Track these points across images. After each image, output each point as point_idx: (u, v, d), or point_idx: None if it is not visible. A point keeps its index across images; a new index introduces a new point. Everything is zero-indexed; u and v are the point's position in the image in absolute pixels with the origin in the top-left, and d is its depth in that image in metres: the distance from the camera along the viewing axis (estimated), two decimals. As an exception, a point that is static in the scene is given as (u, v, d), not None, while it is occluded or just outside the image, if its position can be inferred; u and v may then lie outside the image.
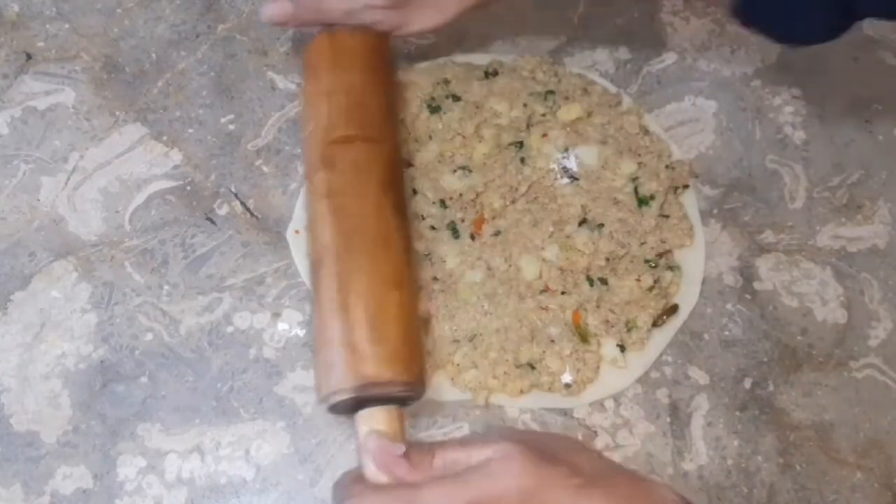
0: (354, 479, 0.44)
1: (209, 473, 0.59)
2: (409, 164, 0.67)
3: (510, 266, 0.64)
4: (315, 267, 0.50)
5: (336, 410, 0.47)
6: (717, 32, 0.78)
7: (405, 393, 0.46)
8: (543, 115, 0.69)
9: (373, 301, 0.47)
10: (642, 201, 0.66)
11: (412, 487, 0.42)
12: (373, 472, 0.43)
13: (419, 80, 0.70)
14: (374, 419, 0.45)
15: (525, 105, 0.69)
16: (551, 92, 0.70)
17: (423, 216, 0.65)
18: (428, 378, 0.47)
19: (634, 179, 0.67)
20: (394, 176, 0.53)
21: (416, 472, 0.42)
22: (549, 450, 0.42)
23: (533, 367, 0.61)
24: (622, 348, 0.62)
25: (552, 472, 0.41)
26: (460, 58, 0.74)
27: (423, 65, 0.73)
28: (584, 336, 0.61)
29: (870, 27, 0.78)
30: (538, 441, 0.44)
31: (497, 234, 0.65)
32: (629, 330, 0.62)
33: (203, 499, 0.58)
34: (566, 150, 0.68)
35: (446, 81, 0.70)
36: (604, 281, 0.63)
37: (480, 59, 0.74)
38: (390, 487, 0.43)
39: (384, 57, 0.58)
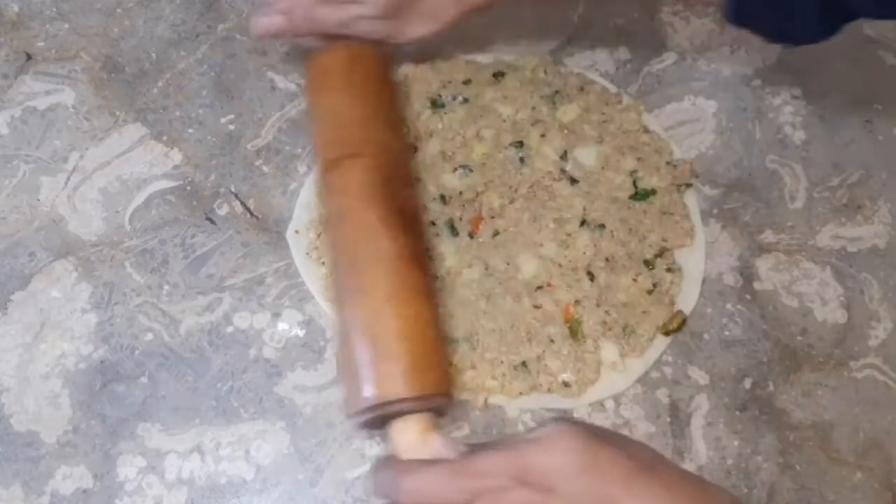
0: (398, 460, 0.44)
1: (209, 473, 0.59)
2: (414, 150, 0.67)
3: (508, 265, 0.64)
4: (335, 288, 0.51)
5: (369, 426, 0.48)
6: (717, 32, 0.78)
7: (421, 405, 0.46)
8: (546, 115, 0.69)
9: (374, 318, 0.47)
10: (642, 195, 0.66)
11: (464, 456, 0.42)
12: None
13: (426, 77, 0.71)
14: (403, 429, 0.45)
15: (533, 108, 0.69)
16: (557, 92, 0.70)
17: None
18: (451, 381, 0.47)
19: (633, 173, 0.67)
20: (383, 189, 0.52)
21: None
22: (606, 435, 0.42)
23: (531, 368, 0.61)
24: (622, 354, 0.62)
25: (609, 453, 0.40)
26: (462, 58, 0.74)
27: (431, 63, 0.73)
28: (574, 331, 0.61)
29: (870, 27, 0.78)
30: (594, 427, 0.43)
31: (496, 233, 0.65)
32: (627, 336, 0.62)
33: (203, 499, 0.58)
34: (565, 152, 0.68)
35: (452, 82, 0.71)
36: (602, 280, 0.63)
37: (481, 59, 0.74)
38: (439, 460, 0.42)
39: (372, 69, 0.57)
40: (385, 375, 0.46)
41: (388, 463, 0.44)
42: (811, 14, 0.54)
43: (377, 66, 0.58)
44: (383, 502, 0.44)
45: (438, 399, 0.46)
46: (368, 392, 0.46)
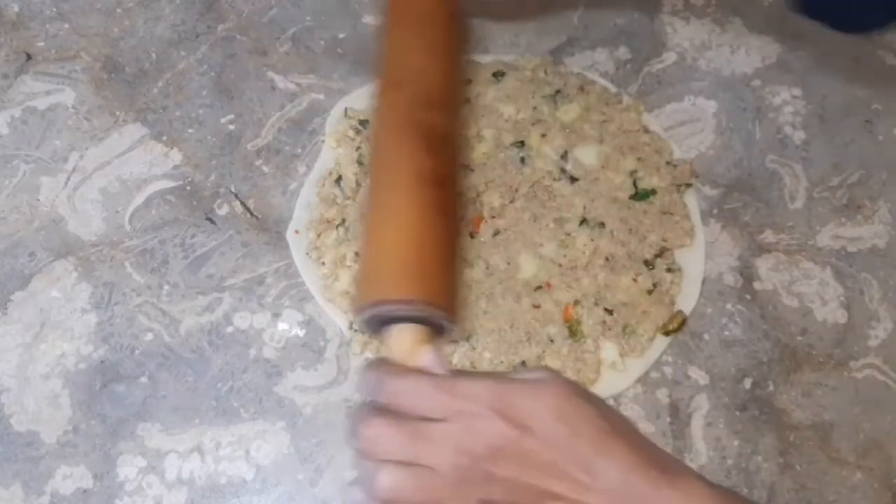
0: (387, 362, 0.44)
1: (209, 473, 0.59)
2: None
3: (509, 264, 0.64)
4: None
5: (371, 329, 0.48)
6: (717, 32, 0.78)
7: (419, 314, 0.46)
8: (548, 115, 0.69)
9: (379, 230, 0.48)
10: (642, 195, 0.66)
11: (451, 375, 0.43)
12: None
13: None
14: (396, 336, 0.45)
15: (534, 108, 0.69)
16: (559, 92, 0.70)
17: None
18: (454, 301, 0.47)
19: (633, 173, 0.67)
20: (409, 111, 0.52)
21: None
22: (588, 395, 0.43)
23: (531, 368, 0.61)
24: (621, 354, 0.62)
25: (588, 410, 0.41)
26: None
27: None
28: (573, 331, 0.61)
29: (870, 27, 0.78)
30: (578, 385, 0.44)
31: (497, 233, 0.65)
32: (627, 335, 0.62)
33: (203, 499, 0.58)
34: (565, 152, 0.68)
35: None
36: (602, 279, 0.63)
37: (481, 59, 0.74)
38: (427, 371, 0.43)
39: (455, 16, 0.58)
40: (383, 277, 0.46)
41: (378, 364, 0.45)
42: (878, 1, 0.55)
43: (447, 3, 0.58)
44: (365, 398, 0.45)
45: (438, 315, 0.46)
46: (365, 292, 0.47)
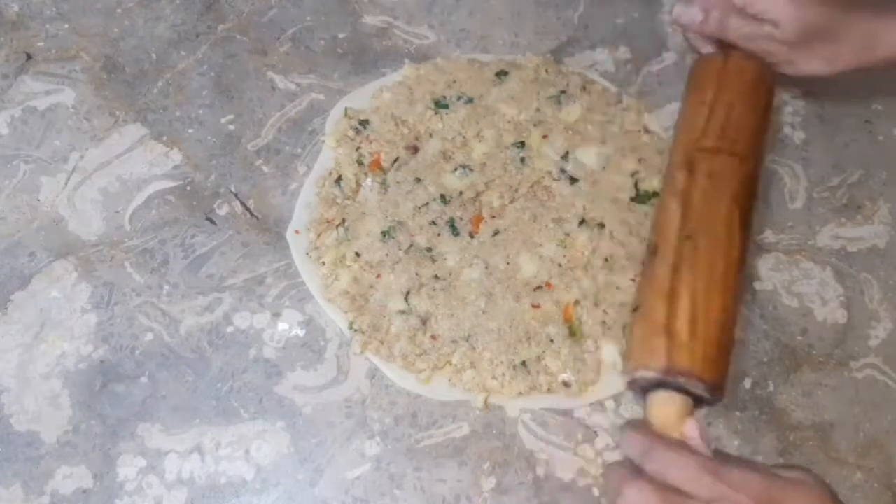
0: (653, 429, 0.46)
1: (209, 473, 0.59)
2: (415, 150, 0.68)
3: (508, 264, 0.64)
4: (650, 251, 0.53)
5: (633, 385, 0.49)
6: (717, 32, 0.77)
7: (703, 393, 0.47)
8: (551, 117, 0.69)
9: (701, 298, 0.49)
10: (644, 197, 0.66)
11: (717, 457, 0.44)
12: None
13: (430, 77, 0.71)
14: (665, 403, 0.47)
15: (537, 109, 0.69)
16: (563, 92, 0.70)
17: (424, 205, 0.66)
18: (727, 387, 0.49)
19: (635, 174, 0.67)
20: (748, 191, 0.55)
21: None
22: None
23: (531, 368, 0.61)
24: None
25: None
26: (464, 57, 0.74)
27: (433, 63, 0.73)
28: (573, 331, 0.61)
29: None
30: (833, 491, 0.45)
31: (496, 233, 0.65)
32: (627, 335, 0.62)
33: (203, 499, 0.58)
34: (566, 153, 0.68)
35: (457, 81, 0.71)
36: (601, 279, 0.63)
37: (482, 59, 0.74)
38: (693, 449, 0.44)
39: (767, 86, 0.59)
40: (698, 353, 0.48)
41: (643, 428, 0.46)
42: None
43: (771, 85, 0.60)
44: (622, 457, 0.46)
45: (712, 392, 0.48)
46: (675, 356, 0.47)
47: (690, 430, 0.45)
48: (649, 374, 0.47)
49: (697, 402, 0.48)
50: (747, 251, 0.53)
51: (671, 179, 0.55)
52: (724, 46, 0.61)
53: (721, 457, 0.45)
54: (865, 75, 0.61)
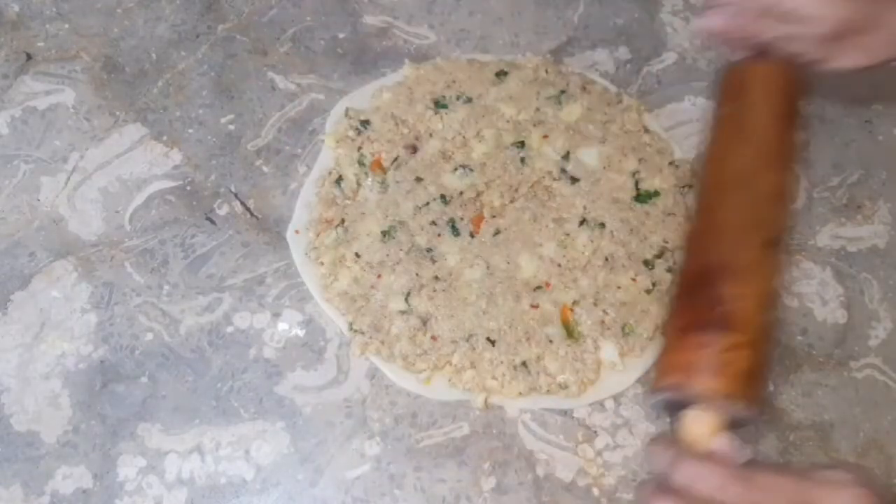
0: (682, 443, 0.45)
1: (209, 473, 0.59)
2: (414, 150, 0.68)
3: (508, 264, 0.64)
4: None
5: (658, 405, 0.50)
6: (717, 32, 0.77)
7: (741, 413, 0.48)
8: (551, 116, 0.69)
9: (736, 322, 0.49)
10: (645, 197, 0.66)
11: (749, 466, 0.43)
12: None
13: (430, 77, 0.71)
14: (698, 419, 0.47)
15: (537, 109, 0.69)
16: (563, 92, 0.70)
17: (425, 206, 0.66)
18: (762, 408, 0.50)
19: (635, 174, 0.67)
20: (774, 213, 0.55)
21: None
22: (888, 498, 0.43)
23: (531, 368, 0.61)
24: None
25: None
26: (463, 57, 0.74)
27: (432, 62, 0.73)
28: (570, 331, 0.61)
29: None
30: (879, 486, 0.44)
31: (497, 233, 0.65)
32: (627, 335, 0.62)
33: (203, 499, 0.58)
34: (566, 153, 0.68)
35: (457, 81, 0.71)
36: (601, 279, 0.63)
37: (482, 59, 0.74)
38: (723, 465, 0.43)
39: (797, 93, 0.59)
40: (743, 376, 0.47)
41: (671, 443, 0.46)
42: None
43: (800, 91, 0.60)
44: (654, 473, 0.46)
45: (748, 410, 0.48)
46: (723, 382, 0.47)
47: (719, 443, 0.45)
48: (678, 394, 0.47)
49: (732, 418, 0.48)
50: (776, 277, 0.53)
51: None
52: (757, 52, 0.59)
53: (753, 465, 0.44)
54: (865, 75, 0.61)
